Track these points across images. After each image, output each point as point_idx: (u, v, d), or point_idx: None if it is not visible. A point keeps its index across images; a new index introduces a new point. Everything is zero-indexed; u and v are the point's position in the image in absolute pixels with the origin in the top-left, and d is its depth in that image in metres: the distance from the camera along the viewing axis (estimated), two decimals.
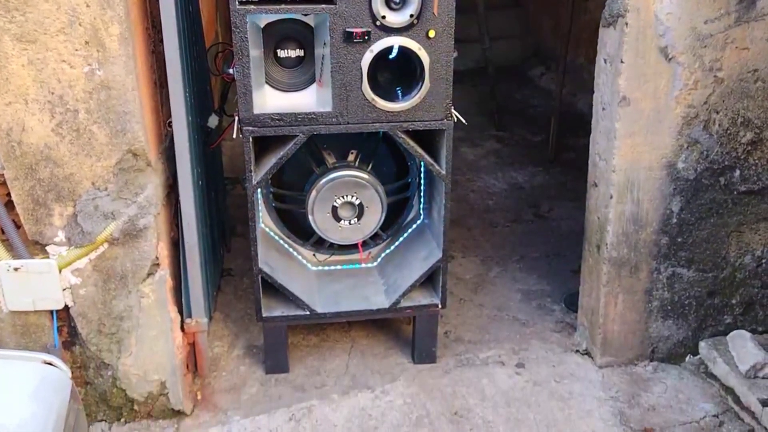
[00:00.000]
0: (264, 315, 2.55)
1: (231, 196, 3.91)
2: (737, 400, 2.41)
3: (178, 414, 2.41)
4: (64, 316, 2.25)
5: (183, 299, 2.44)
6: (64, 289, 2.19)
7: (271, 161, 2.42)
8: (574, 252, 3.51)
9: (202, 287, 2.44)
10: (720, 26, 2.25)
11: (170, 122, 2.25)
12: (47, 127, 2.02)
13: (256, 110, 2.30)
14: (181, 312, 2.43)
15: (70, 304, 2.22)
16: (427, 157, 2.47)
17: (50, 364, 1.39)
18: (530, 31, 7.00)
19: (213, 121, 2.80)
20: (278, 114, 2.32)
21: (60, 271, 2.16)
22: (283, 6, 2.21)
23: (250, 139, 2.33)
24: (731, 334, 2.57)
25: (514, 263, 3.46)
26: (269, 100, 2.38)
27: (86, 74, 1.99)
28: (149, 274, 2.23)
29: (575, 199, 4.14)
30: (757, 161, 2.44)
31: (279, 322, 2.58)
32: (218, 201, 3.30)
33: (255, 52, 2.28)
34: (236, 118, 2.36)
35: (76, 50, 1.96)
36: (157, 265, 2.24)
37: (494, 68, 5.28)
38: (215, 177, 3.24)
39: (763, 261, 2.57)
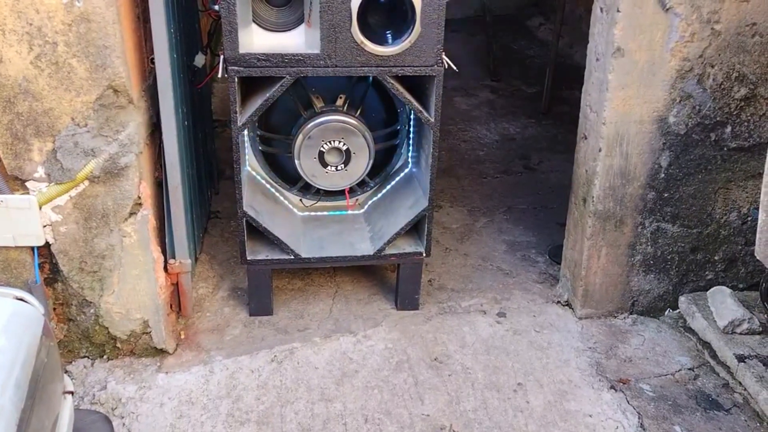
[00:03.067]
0: (248, 258, 2.55)
1: (220, 138, 3.86)
2: (713, 354, 2.44)
3: (161, 352, 2.43)
4: (45, 252, 2.23)
5: (167, 240, 2.43)
6: (44, 226, 2.17)
7: (257, 103, 2.37)
8: (561, 205, 3.50)
9: (186, 228, 2.42)
10: None
11: (153, 59, 2.19)
12: (25, 59, 1.96)
13: (242, 50, 2.25)
14: (165, 252, 2.43)
15: (51, 241, 2.20)
16: (415, 103, 2.43)
17: (22, 300, 1.38)
18: None
19: (200, 60, 2.74)
20: (265, 54, 2.27)
21: (40, 208, 2.14)
22: None
23: (236, 80, 2.28)
24: (712, 289, 2.59)
25: (501, 214, 3.46)
26: (256, 39, 2.32)
27: (65, 5, 1.93)
28: (131, 214, 2.22)
29: (565, 151, 4.11)
30: (749, 117, 2.42)
31: (263, 266, 2.58)
32: (206, 143, 3.26)
33: None
34: (222, 57, 2.30)
35: None
36: (140, 204, 2.22)
37: (492, 17, 5.17)
38: (203, 118, 3.19)
39: (749, 218, 2.58)
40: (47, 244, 2.20)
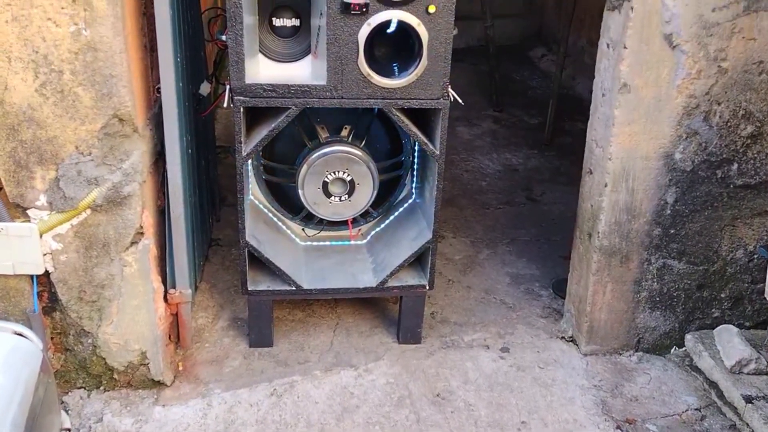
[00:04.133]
0: (249, 288, 2.52)
1: (223, 165, 3.85)
2: (720, 394, 2.40)
3: (159, 384, 2.38)
4: (44, 281, 2.20)
5: (167, 269, 2.40)
6: (44, 254, 2.14)
7: (262, 133, 2.36)
8: (564, 237, 3.49)
9: (187, 258, 2.40)
10: (728, 14, 2.20)
11: (159, 88, 2.18)
12: (31, 87, 1.95)
13: (248, 80, 2.24)
14: (165, 282, 2.40)
15: (50, 269, 2.17)
16: (421, 136, 2.42)
17: (21, 335, 1.35)
18: (533, 10, 6.90)
19: (205, 88, 2.74)
20: (271, 85, 2.26)
21: (41, 236, 2.11)
22: None
23: (241, 110, 2.27)
24: (718, 328, 2.56)
25: (504, 246, 3.43)
26: (262, 69, 2.32)
27: (72, 34, 1.92)
28: (133, 243, 2.19)
29: (568, 183, 4.11)
30: (756, 155, 2.41)
31: (264, 297, 2.55)
32: (209, 170, 3.24)
33: (249, 20, 2.22)
34: (228, 86, 2.29)
35: (63, 8, 1.89)
36: (141, 233, 2.19)
37: (495, 48, 5.20)
38: (207, 145, 3.18)
39: (755, 256, 2.55)
40: (47, 273, 2.17)
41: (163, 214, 2.42)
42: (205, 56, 3.03)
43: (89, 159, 2.06)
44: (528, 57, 6.49)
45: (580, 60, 5.74)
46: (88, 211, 2.12)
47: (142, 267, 2.22)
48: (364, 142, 2.61)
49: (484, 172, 4.25)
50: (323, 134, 2.58)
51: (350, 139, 2.59)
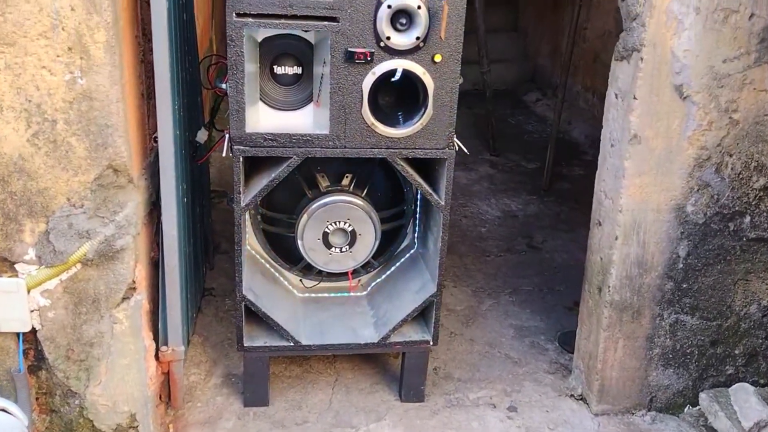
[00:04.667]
0: (246, 344, 2.40)
1: (217, 210, 3.76)
2: None
3: None
4: (30, 338, 2.08)
5: (160, 325, 2.29)
6: (32, 311, 2.03)
7: (261, 182, 2.28)
8: (568, 287, 3.41)
9: (180, 314, 2.29)
10: (739, 66, 2.16)
11: (156, 137, 2.11)
12: (22, 137, 1.87)
13: (249, 129, 2.17)
14: (156, 338, 2.28)
15: (37, 326, 2.06)
16: (425, 186, 2.35)
17: (5, 410, 1.24)
18: (527, 55, 6.94)
19: (202, 136, 2.67)
20: (272, 134, 2.19)
21: (28, 292, 2.00)
22: (283, 21, 2.08)
23: (241, 159, 2.20)
24: (734, 387, 2.46)
25: (507, 296, 3.34)
26: (263, 118, 2.25)
27: (67, 82, 1.85)
28: (124, 299, 2.08)
29: (569, 231, 4.05)
30: None
31: (261, 353, 2.43)
32: (203, 216, 3.15)
33: (250, 68, 2.16)
34: (227, 135, 2.22)
35: (58, 56, 1.82)
36: (134, 289, 2.09)
37: (491, 92, 5.19)
38: (201, 191, 3.09)
39: None
40: (33, 330, 2.06)
41: (156, 266, 2.32)
42: (201, 102, 2.97)
43: (81, 211, 1.97)
44: (523, 101, 6.50)
45: (575, 104, 5.74)
46: (79, 266, 2.02)
47: (133, 324, 2.11)
48: (365, 191, 2.54)
49: (483, 218, 4.18)
50: (323, 183, 2.50)
51: (351, 187, 2.52)
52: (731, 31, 2.12)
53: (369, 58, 2.13)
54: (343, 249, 2.49)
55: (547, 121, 6.07)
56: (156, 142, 2.11)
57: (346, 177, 2.52)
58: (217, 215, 3.66)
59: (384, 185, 2.61)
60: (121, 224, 2.01)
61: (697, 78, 2.16)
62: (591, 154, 5.32)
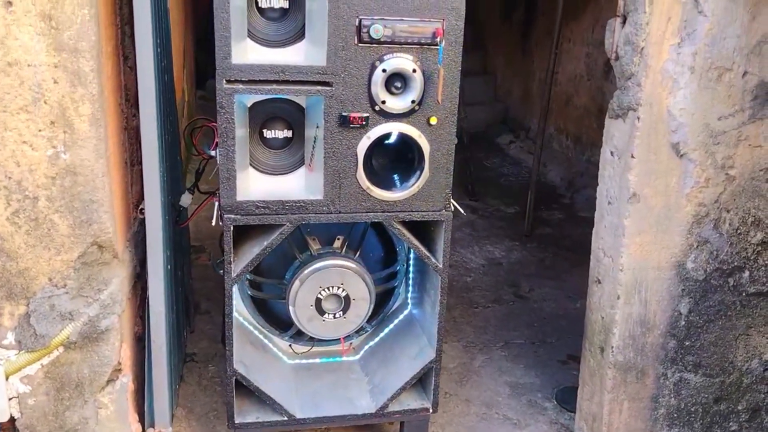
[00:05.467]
0: (237, 422, 2.28)
1: (195, 266, 3.63)
2: None
3: None
4: (8, 427, 1.94)
5: (146, 405, 2.16)
6: (10, 399, 1.89)
7: (252, 251, 2.19)
8: (559, 339, 3.36)
9: (168, 394, 2.16)
10: (734, 123, 2.16)
11: (142, 208, 2.00)
12: (1, 215, 1.76)
13: (239, 197, 2.08)
14: (142, 419, 2.15)
15: (16, 415, 1.91)
16: (423, 249, 2.28)
17: None
18: (499, 98, 7.01)
19: (186, 200, 2.56)
20: (264, 201, 2.10)
21: (7, 378, 1.86)
22: (275, 86, 2.02)
23: (231, 228, 2.10)
24: None
25: (499, 350, 3.27)
26: (253, 184, 2.16)
27: (50, 158, 1.75)
28: (109, 381, 1.96)
29: (555, 278, 4.02)
30: (766, 262, 2.34)
31: (253, 429, 2.31)
32: (184, 278, 3.03)
33: (240, 132, 2.08)
34: (216, 203, 2.13)
35: (40, 131, 1.72)
36: (119, 370, 1.96)
37: (468, 139, 5.20)
38: (182, 252, 2.97)
39: None
40: (12, 419, 1.91)
41: (140, 341, 2.20)
42: (182, 161, 2.88)
43: (63, 291, 1.85)
44: (497, 143, 6.53)
45: (549, 147, 5.78)
46: (61, 349, 1.89)
47: (119, 408, 1.98)
48: (358, 253, 2.46)
49: (468, 266, 4.13)
50: (315, 246, 2.42)
51: (344, 250, 2.43)
52: (725, 89, 2.13)
53: (364, 123, 2.07)
54: (337, 315, 2.39)
55: (522, 163, 6.10)
56: (142, 213, 2.01)
57: (338, 239, 2.44)
58: (196, 272, 3.54)
59: (376, 246, 2.54)
60: (105, 303, 1.89)
61: (694, 136, 2.15)
62: (568, 197, 5.34)
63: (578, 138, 5.47)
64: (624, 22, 2.11)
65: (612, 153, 2.28)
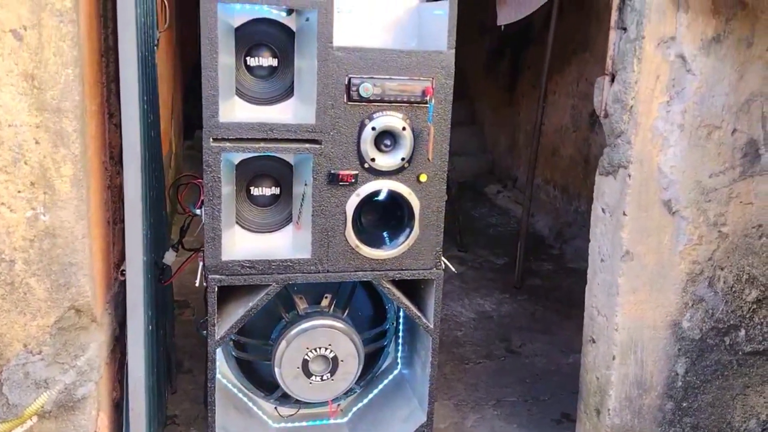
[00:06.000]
0: None
1: (178, 322, 3.53)
2: None
3: None
4: None
5: None
6: None
7: (237, 312, 2.12)
8: (553, 396, 3.27)
9: None
10: (724, 180, 2.15)
11: (123, 270, 1.94)
12: None
13: (225, 256, 2.03)
14: None
15: None
16: (413, 309, 2.23)
17: None
18: (485, 148, 7.05)
19: (170, 257, 2.49)
20: (249, 261, 2.05)
21: None
22: (263, 145, 1.98)
23: (216, 289, 2.04)
24: None
25: (491, 409, 3.18)
26: (239, 243, 2.11)
27: (28, 219, 1.69)
28: None
29: (546, 331, 3.95)
30: (762, 320, 2.30)
31: None
32: (166, 337, 2.93)
33: (227, 190, 2.04)
34: (201, 263, 2.07)
35: (19, 192, 1.67)
36: None
37: (456, 190, 5.19)
38: (165, 309, 2.89)
39: None
40: None
41: (118, 407, 2.10)
42: (166, 217, 2.82)
43: (39, 358, 1.77)
44: (484, 193, 6.54)
45: (536, 197, 5.79)
46: (35, 419, 1.79)
47: None
48: (346, 312, 2.39)
49: (458, 320, 4.06)
50: (302, 305, 2.35)
51: (332, 309, 2.37)
52: (715, 147, 2.12)
53: (353, 180, 2.04)
54: (325, 377, 2.31)
55: (510, 213, 6.10)
56: (123, 275, 1.94)
57: (326, 297, 2.38)
58: (179, 328, 3.43)
59: (366, 303, 2.47)
60: (82, 370, 1.81)
61: (685, 193, 2.13)
62: (557, 248, 5.32)
63: (565, 188, 5.48)
64: (612, 80, 2.11)
65: (603, 210, 2.25)
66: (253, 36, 2.03)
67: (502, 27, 5.34)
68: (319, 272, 2.10)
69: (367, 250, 2.11)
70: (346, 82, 1.98)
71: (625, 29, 2.00)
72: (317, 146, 2.01)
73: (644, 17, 1.92)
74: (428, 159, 2.05)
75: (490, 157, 6.95)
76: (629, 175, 2.11)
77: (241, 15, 2.00)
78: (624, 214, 2.14)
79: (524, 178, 4.96)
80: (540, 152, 5.71)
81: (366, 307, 2.48)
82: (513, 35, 5.96)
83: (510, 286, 4.54)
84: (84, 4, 1.74)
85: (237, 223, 2.13)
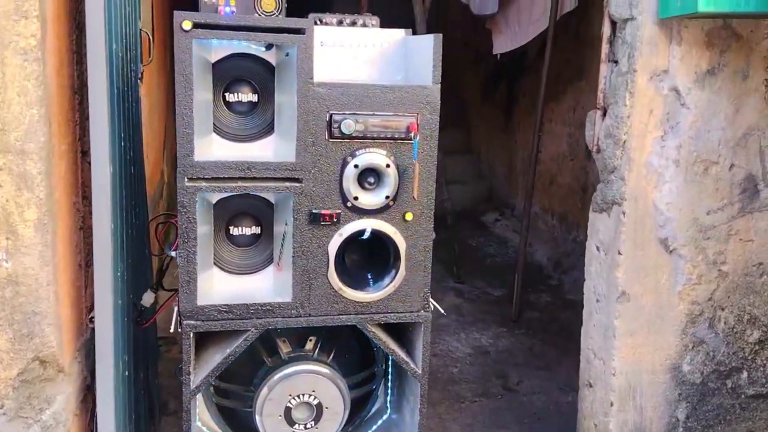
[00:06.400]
0: None
1: (164, 360, 3.43)
2: None
3: None
4: None
5: None
6: None
7: (214, 358, 2.02)
8: None
9: None
10: (723, 217, 2.07)
11: (92, 317, 1.85)
12: None
13: (200, 301, 1.93)
14: None
15: None
16: (400, 353, 2.13)
17: None
18: (482, 176, 6.99)
19: (148, 299, 2.40)
20: (227, 305, 1.95)
21: None
22: (240, 184, 1.90)
23: (191, 335, 1.94)
24: None
25: None
26: (216, 285, 2.02)
27: None
28: None
29: (544, 367, 3.84)
30: (765, 362, 2.20)
31: None
32: (148, 378, 2.83)
33: (204, 230, 1.96)
34: (176, 308, 1.98)
35: None
36: None
37: (453, 219, 5.10)
38: (146, 349, 2.79)
39: None
40: None
41: None
42: (149, 255, 2.74)
43: (1, 413, 1.67)
44: (481, 222, 6.45)
45: (534, 225, 5.70)
46: None
47: None
48: (332, 356, 2.29)
49: (453, 356, 3.95)
50: (285, 349, 2.24)
51: (316, 353, 2.26)
52: (713, 183, 2.04)
53: (335, 220, 1.96)
54: (308, 425, 2.20)
55: (508, 242, 6.01)
56: (92, 322, 1.85)
57: (310, 340, 2.27)
58: (164, 366, 3.33)
59: (352, 346, 2.37)
60: (47, 424, 1.71)
61: (682, 231, 2.05)
62: (556, 278, 5.22)
63: (564, 217, 5.40)
64: (604, 114, 2.04)
65: (598, 248, 2.17)
66: (231, 71, 1.97)
67: (498, 56, 5.32)
68: (300, 316, 2.01)
69: (350, 293, 2.02)
70: (328, 119, 1.91)
71: (616, 62, 1.93)
72: (298, 185, 1.93)
73: (636, 50, 1.86)
74: (413, 197, 1.96)
75: (487, 184, 6.88)
76: (624, 213, 2.03)
77: (218, 50, 1.93)
78: (619, 253, 2.05)
79: (522, 206, 4.88)
80: (537, 180, 5.65)
81: (353, 349, 2.38)
82: (509, 63, 5.93)
83: (507, 320, 4.44)
84: (52, 41, 1.68)
85: (215, 264, 2.04)
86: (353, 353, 2.39)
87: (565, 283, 5.07)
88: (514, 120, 6.40)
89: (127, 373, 2.23)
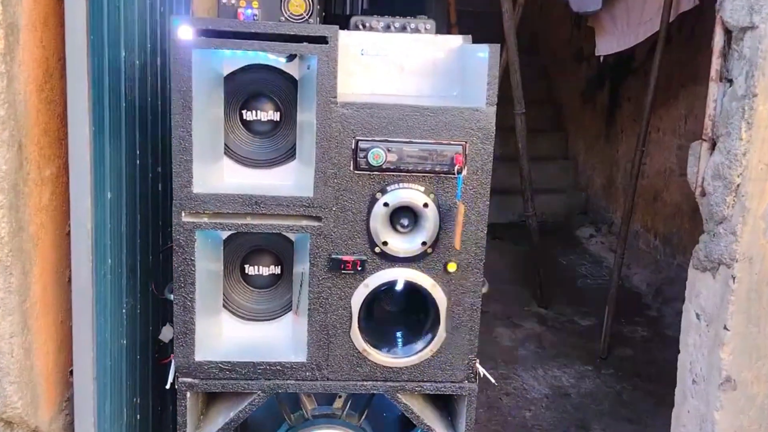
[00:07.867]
0: None
1: None
2: None
3: None
4: None
5: None
6: None
7: (217, 421, 1.73)
8: None
9: None
10: None
11: (72, 369, 1.60)
12: None
13: (199, 356, 1.64)
14: None
15: None
16: (438, 430, 1.75)
17: None
18: (579, 186, 6.42)
19: (167, 333, 2.16)
20: (229, 363, 1.66)
21: None
22: (249, 222, 1.59)
23: (187, 396, 1.66)
24: None
25: None
26: (225, 334, 1.73)
27: None
28: None
29: (635, 420, 3.33)
30: None
31: None
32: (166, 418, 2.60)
33: (211, 268, 1.67)
34: (172, 365, 1.70)
35: None
36: None
37: (538, 235, 4.61)
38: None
39: None
40: None
41: None
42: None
43: None
44: (575, 237, 5.90)
45: (634, 245, 5.11)
46: None
47: None
48: (363, 416, 1.95)
49: (528, 396, 3.51)
50: (309, 405, 1.93)
51: (345, 412, 1.93)
52: None
53: (360, 268, 1.61)
54: None
55: (603, 262, 5.44)
56: (72, 375, 1.60)
57: (339, 397, 1.95)
58: None
59: (388, 404, 2.02)
60: None
61: None
62: (655, 309, 4.63)
63: (668, 239, 4.79)
64: (713, 147, 1.57)
65: (698, 315, 1.70)
66: (248, 85, 1.66)
67: (601, 57, 4.77)
68: (317, 380, 1.68)
69: (377, 356, 1.67)
70: (353, 146, 1.56)
71: (730, 81, 1.46)
72: (316, 224, 1.60)
73: (756, 68, 1.38)
74: (455, 247, 1.58)
75: (583, 196, 6.30)
76: (734, 277, 1.55)
77: (232, 60, 1.63)
78: (725, 327, 1.58)
79: (620, 223, 4.34)
80: (639, 195, 5.04)
81: (390, 407, 2.03)
82: (613, 63, 5.34)
83: (594, 356, 3.92)
84: (30, 51, 1.43)
85: (225, 307, 1.75)
86: (392, 412, 2.05)
87: (666, 316, 4.47)
88: (616, 126, 5.80)
89: (138, 416, 2.00)
